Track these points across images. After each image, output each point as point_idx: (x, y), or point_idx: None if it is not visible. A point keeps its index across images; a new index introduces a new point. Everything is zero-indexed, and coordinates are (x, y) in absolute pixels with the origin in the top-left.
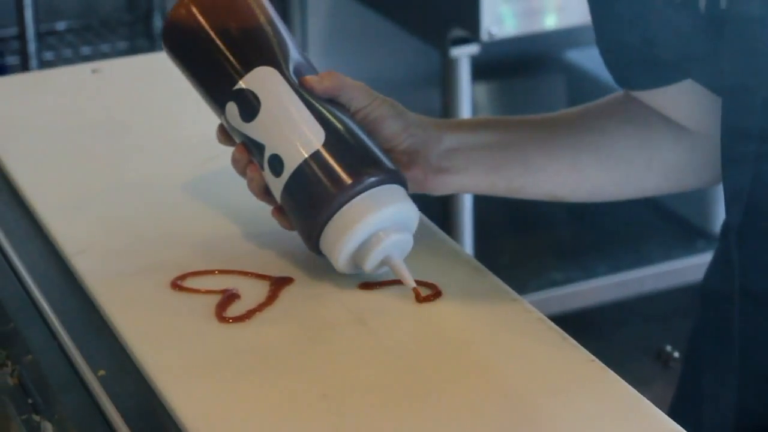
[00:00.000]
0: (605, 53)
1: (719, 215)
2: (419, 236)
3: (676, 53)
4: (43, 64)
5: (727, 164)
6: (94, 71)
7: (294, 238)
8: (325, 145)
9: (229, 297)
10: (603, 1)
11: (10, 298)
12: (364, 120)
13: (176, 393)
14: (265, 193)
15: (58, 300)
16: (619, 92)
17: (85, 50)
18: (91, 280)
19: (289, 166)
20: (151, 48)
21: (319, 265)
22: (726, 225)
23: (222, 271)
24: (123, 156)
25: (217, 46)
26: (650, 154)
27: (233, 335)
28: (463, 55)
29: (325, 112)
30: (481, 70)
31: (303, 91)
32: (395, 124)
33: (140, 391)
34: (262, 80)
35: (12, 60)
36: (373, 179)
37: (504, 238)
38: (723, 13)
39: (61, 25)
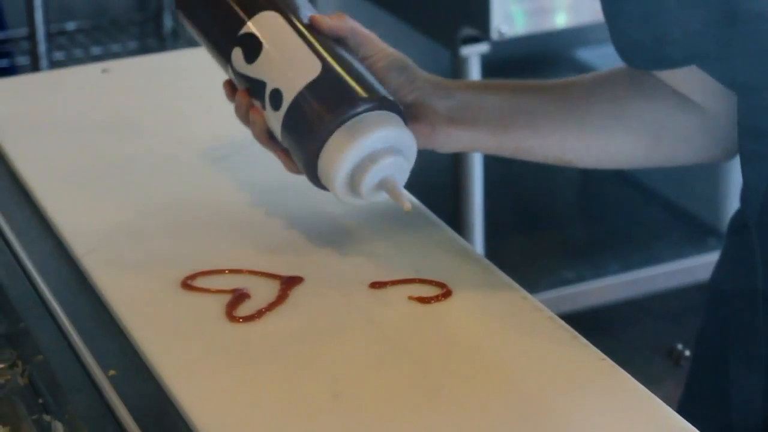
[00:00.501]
0: (615, 35)
1: (730, 213)
2: (429, 235)
3: (687, 49)
4: (54, 65)
5: (745, 161)
6: (104, 71)
7: (304, 237)
8: (321, 75)
9: (239, 296)
10: None
11: (21, 298)
12: (370, 68)
13: (187, 393)
14: (267, 137)
15: (68, 300)
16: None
17: (96, 50)
18: (101, 280)
19: (287, 98)
20: (161, 47)
21: (329, 265)
22: (737, 222)
23: (232, 271)
24: (133, 156)
25: (222, 1)
26: (659, 125)
27: (243, 335)
28: (474, 53)
29: (326, 45)
30: (491, 68)
31: (307, 31)
32: (400, 77)
33: (150, 391)
34: (265, 23)
35: (22, 60)
36: (365, 105)
37: (514, 237)
38: (734, 8)
39: (71, 25)
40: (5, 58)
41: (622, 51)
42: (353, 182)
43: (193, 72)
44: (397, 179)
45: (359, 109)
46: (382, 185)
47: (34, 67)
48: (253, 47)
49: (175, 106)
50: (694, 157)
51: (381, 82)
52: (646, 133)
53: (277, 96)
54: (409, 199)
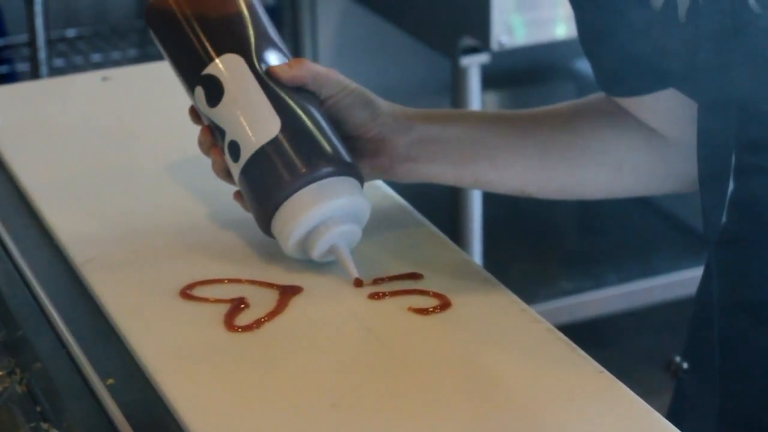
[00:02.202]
0: (589, 57)
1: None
2: (429, 246)
3: (655, 64)
4: (54, 71)
5: (705, 177)
6: (104, 79)
7: None
8: (280, 134)
9: (237, 306)
10: (585, 9)
11: (19, 306)
12: (332, 108)
13: (185, 402)
14: (227, 175)
15: (66, 308)
16: (600, 93)
17: (96, 57)
18: (100, 289)
19: (245, 154)
20: (161, 55)
21: (328, 275)
22: (724, 235)
23: (231, 280)
24: (133, 164)
25: (189, 31)
26: (622, 157)
27: (242, 344)
28: (474, 64)
29: (286, 101)
30: (491, 79)
31: (269, 79)
32: (363, 113)
33: (149, 399)
34: (227, 67)
35: (22, 67)
36: (324, 170)
37: (513, 248)
38: (698, 23)
39: (71, 32)
40: (5, 65)
41: (603, 76)
42: (305, 244)
43: None
44: (346, 247)
45: (317, 174)
46: (333, 252)
47: (34, 73)
48: (215, 91)
49: (175, 115)
50: (655, 188)
51: (345, 120)
52: (608, 166)
53: (234, 148)
54: (405, 207)
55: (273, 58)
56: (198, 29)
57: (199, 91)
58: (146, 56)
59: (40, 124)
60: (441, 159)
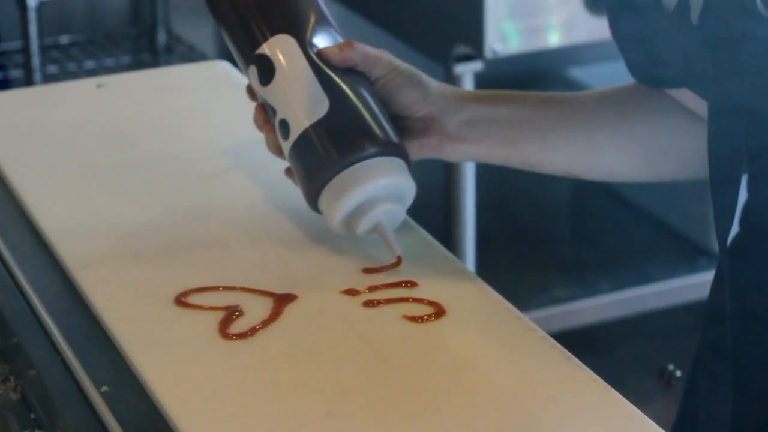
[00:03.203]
0: (623, 53)
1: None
2: (423, 253)
3: (675, 64)
4: (47, 78)
5: (716, 182)
6: (98, 86)
7: (298, 254)
8: (329, 114)
9: (232, 313)
10: (615, 10)
11: (14, 313)
12: (383, 88)
13: (179, 409)
14: (278, 152)
15: (61, 315)
16: None
17: (89, 64)
18: (95, 296)
19: (295, 132)
20: (154, 62)
21: (323, 282)
22: (736, 244)
23: (225, 288)
24: (127, 171)
25: (244, 11)
26: (669, 141)
27: (237, 352)
28: (467, 72)
29: (336, 81)
30: (484, 87)
31: (320, 61)
32: (413, 93)
33: (143, 407)
34: (280, 48)
35: (16, 73)
36: (370, 150)
37: (506, 255)
38: (709, 26)
39: (65, 39)
40: None
41: (634, 70)
42: (350, 222)
43: (188, 88)
44: (391, 226)
45: (363, 155)
46: (377, 229)
47: (28, 80)
48: (267, 70)
49: (169, 122)
50: (703, 173)
51: (394, 100)
52: (655, 149)
53: (285, 126)
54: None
55: (325, 40)
56: (253, 9)
57: (253, 69)
58: (140, 63)
59: (34, 131)
60: (490, 139)
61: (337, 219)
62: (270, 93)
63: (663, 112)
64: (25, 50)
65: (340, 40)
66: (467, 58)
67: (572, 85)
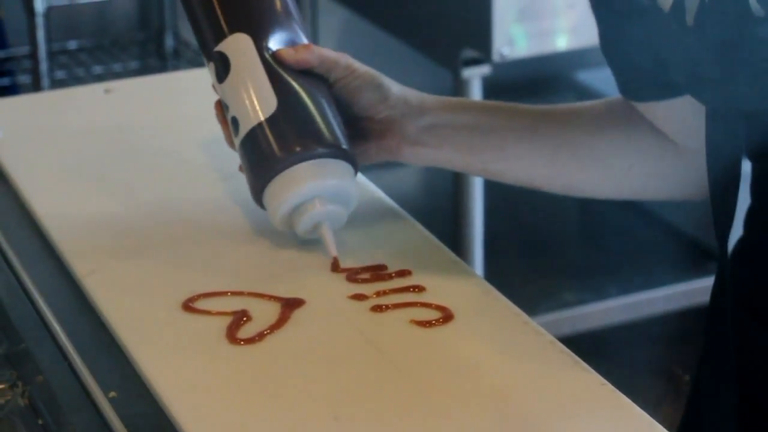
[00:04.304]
0: (608, 63)
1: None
2: (431, 258)
3: (667, 70)
4: (55, 83)
5: (714, 187)
6: (106, 91)
7: (306, 259)
8: (276, 113)
9: (240, 318)
10: (605, 17)
11: (21, 319)
12: (341, 90)
13: (188, 415)
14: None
15: (69, 321)
16: (616, 96)
17: (97, 69)
18: (102, 301)
19: (243, 129)
20: (162, 67)
21: (330, 287)
22: (742, 248)
23: (233, 293)
24: (135, 176)
25: (207, 8)
26: (631, 160)
27: (245, 357)
28: (475, 75)
29: (288, 82)
30: (492, 90)
31: (275, 62)
32: (373, 96)
33: (151, 413)
34: (236, 46)
35: (24, 79)
36: (316, 150)
37: (515, 259)
38: (704, 28)
39: (72, 44)
40: (7, 77)
41: (621, 81)
42: (291, 220)
43: (196, 93)
44: (332, 227)
45: (306, 154)
46: (317, 229)
47: (36, 85)
48: (223, 68)
49: (177, 127)
50: (664, 194)
51: (354, 102)
52: (617, 168)
53: (235, 123)
54: (407, 219)
55: (285, 41)
56: (216, 6)
57: (211, 67)
58: (147, 68)
59: (42, 137)
60: (450, 146)
61: (278, 216)
62: (224, 90)
63: (628, 131)
64: (33, 56)
65: (304, 41)
66: (475, 62)
67: (580, 88)
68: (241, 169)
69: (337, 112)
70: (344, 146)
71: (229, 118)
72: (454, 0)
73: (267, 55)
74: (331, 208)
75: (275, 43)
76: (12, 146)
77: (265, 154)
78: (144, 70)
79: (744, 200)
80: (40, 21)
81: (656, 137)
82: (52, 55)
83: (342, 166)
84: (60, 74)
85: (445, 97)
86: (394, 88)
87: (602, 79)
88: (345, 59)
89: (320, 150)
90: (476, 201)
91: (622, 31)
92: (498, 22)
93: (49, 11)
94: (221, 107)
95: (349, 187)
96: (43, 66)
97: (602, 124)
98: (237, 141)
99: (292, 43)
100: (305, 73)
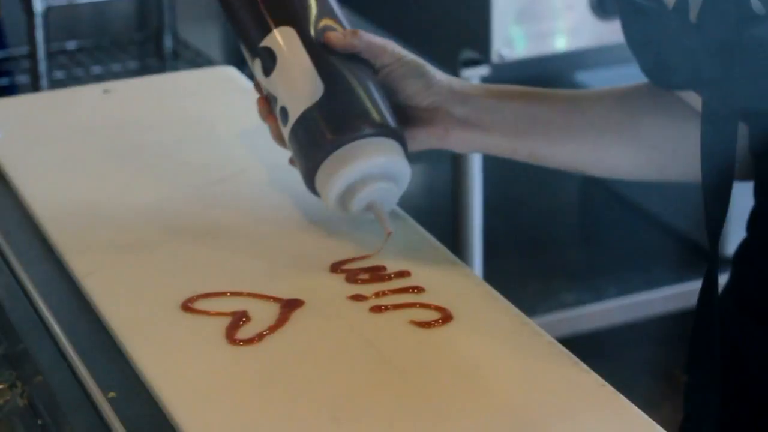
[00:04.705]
0: (636, 56)
1: (729, 238)
2: (430, 258)
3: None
4: (54, 84)
5: (708, 190)
6: (105, 91)
7: (305, 260)
8: (324, 98)
9: (239, 319)
10: (627, 12)
11: (21, 319)
12: (387, 77)
13: (187, 415)
14: (282, 141)
15: (68, 321)
16: None
17: (96, 69)
18: (102, 302)
19: (292, 117)
20: (161, 67)
21: (330, 288)
22: (744, 250)
23: (232, 293)
24: (134, 177)
25: (247, 6)
26: (676, 142)
27: (244, 357)
28: (474, 76)
29: (335, 67)
30: None
31: (322, 49)
32: (417, 83)
33: (150, 413)
34: (281, 39)
35: (22, 79)
36: (364, 130)
37: (513, 260)
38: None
39: (71, 45)
40: (5, 77)
41: (646, 71)
42: (344, 200)
43: (195, 93)
44: (384, 204)
45: (357, 134)
46: (370, 207)
47: (35, 85)
48: (269, 63)
49: (176, 128)
50: None
51: (399, 89)
52: (662, 150)
53: (284, 113)
54: (406, 220)
55: (327, 30)
56: (257, 3)
57: (258, 62)
58: (146, 68)
59: (41, 137)
60: (497, 131)
61: (331, 197)
62: (271, 83)
63: (671, 114)
64: (32, 56)
65: (345, 29)
66: (474, 62)
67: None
68: (291, 161)
69: (384, 95)
70: (392, 125)
71: (277, 110)
72: (453, 1)
73: (313, 44)
74: (383, 185)
75: (319, 31)
76: (11, 146)
77: (315, 137)
78: (143, 71)
79: (747, 202)
80: (38, 21)
81: (698, 120)
82: (50, 55)
83: (391, 145)
84: (59, 74)
85: (487, 84)
86: (439, 75)
87: (601, 79)
88: (392, 46)
89: (369, 130)
90: (475, 202)
91: (640, 28)
92: (497, 24)
93: (48, 11)
94: (265, 103)
95: (400, 164)
96: (42, 66)
97: (644, 108)
98: (286, 131)
99: (334, 31)
100: (352, 59)
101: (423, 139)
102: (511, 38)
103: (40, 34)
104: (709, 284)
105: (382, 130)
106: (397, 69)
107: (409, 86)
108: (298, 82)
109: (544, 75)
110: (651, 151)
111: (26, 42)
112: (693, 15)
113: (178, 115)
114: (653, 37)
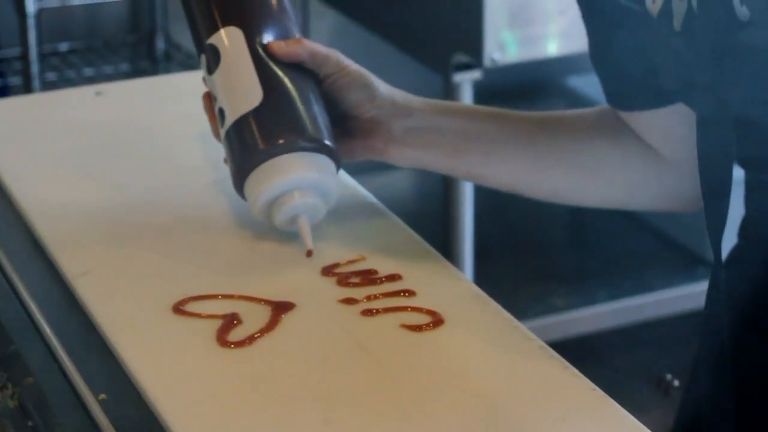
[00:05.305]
0: (596, 71)
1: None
2: (420, 263)
3: (655, 78)
4: (46, 85)
5: (706, 194)
6: (97, 93)
7: (296, 263)
8: (261, 105)
9: (230, 321)
10: (596, 24)
11: (12, 320)
12: (330, 87)
13: (178, 418)
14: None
15: (59, 322)
16: (605, 105)
17: (88, 71)
18: (93, 303)
19: (228, 120)
20: (153, 69)
21: (321, 291)
22: (735, 255)
23: (224, 296)
24: (126, 178)
25: (200, 2)
26: (615, 170)
27: (235, 360)
28: (466, 80)
29: (276, 75)
30: (483, 95)
31: (265, 55)
32: (360, 95)
33: (141, 415)
34: (227, 39)
35: (14, 80)
36: (297, 143)
37: (504, 264)
38: (728, 41)
39: (63, 46)
40: None
41: (609, 90)
42: (270, 211)
43: (187, 96)
44: (310, 220)
45: (288, 147)
46: (295, 221)
47: (26, 87)
48: (213, 60)
49: (168, 130)
50: (648, 205)
51: (341, 99)
52: (601, 177)
53: (222, 114)
54: (397, 223)
55: (277, 35)
56: (204, 2)
57: (203, 58)
58: (138, 71)
59: (33, 139)
60: (435, 148)
61: (257, 206)
62: (213, 81)
63: (614, 142)
64: (24, 57)
65: (297, 36)
66: (466, 66)
67: (570, 94)
68: (225, 161)
69: (324, 108)
70: (327, 141)
71: (216, 109)
72: (445, 5)
73: (258, 49)
74: (310, 200)
75: (267, 37)
76: (2, 148)
77: (247, 144)
78: (135, 73)
79: (739, 209)
80: (31, 22)
81: (643, 148)
82: (43, 56)
83: (323, 161)
84: (51, 76)
85: (431, 99)
86: (382, 87)
87: (593, 85)
88: (335, 55)
89: (302, 143)
90: (466, 205)
91: (612, 38)
92: (489, 28)
93: (41, 13)
94: (210, 99)
95: (330, 181)
96: (34, 68)
97: (589, 133)
98: (222, 132)
99: (284, 38)
100: (296, 68)
101: (361, 151)
102: (504, 42)
103: (32, 36)
104: (716, 290)
105: (316, 146)
106: (341, 79)
107: (352, 97)
108: (238, 86)
109: (536, 79)
110: (590, 177)
111: (18, 43)
112: (677, 23)
113: (170, 118)
114: (640, 46)
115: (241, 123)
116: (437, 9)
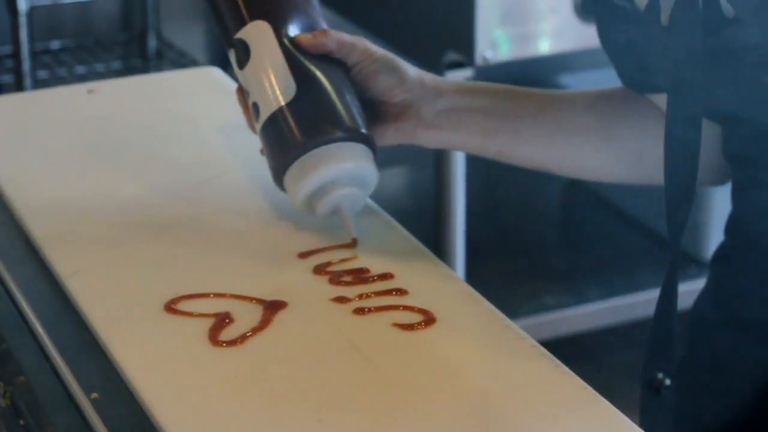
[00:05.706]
0: (612, 59)
1: (711, 242)
2: (412, 262)
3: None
4: (37, 83)
5: (671, 197)
6: (89, 91)
7: (289, 261)
8: (296, 98)
9: (222, 320)
10: (603, 16)
11: (3, 319)
12: (359, 74)
13: (169, 417)
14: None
15: (51, 321)
16: None
17: (80, 69)
18: (85, 302)
19: (263, 115)
20: (145, 68)
21: (313, 290)
22: (721, 253)
23: (216, 295)
24: (118, 177)
25: None
26: (644, 146)
27: (227, 359)
28: (458, 78)
29: (307, 67)
30: None
31: (294, 47)
32: (389, 79)
33: (133, 414)
34: (256, 33)
35: (6, 78)
36: (334, 135)
37: (496, 262)
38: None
39: (55, 44)
40: None
41: (620, 74)
42: (311, 202)
43: (179, 94)
44: (350, 208)
45: (326, 138)
46: (337, 211)
47: (18, 85)
48: (243, 55)
49: (160, 128)
50: None
51: (370, 86)
52: (629, 153)
53: (256, 109)
54: (389, 222)
55: (302, 28)
56: None
57: (232, 54)
58: (130, 69)
59: (25, 137)
60: (466, 128)
61: (298, 198)
62: (245, 76)
63: (642, 117)
64: (16, 55)
65: (322, 27)
66: (458, 65)
67: None
68: (262, 152)
69: (355, 96)
70: (363, 130)
71: (250, 103)
72: (437, 3)
73: (286, 41)
74: (350, 190)
75: (294, 29)
76: None
77: (286, 138)
78: (127, 71)
79: (725, 206)
80: (23, 20)
81: None
82: (34, 54)
83: (361, 149)
84: (42, 74)
85: (460, 80)
86: (411, 71)
87: (584, 82)
88: (362, 43)
89: (339, 134)
90: (458, 204)
91: (614, 31)
92: (481, 26)
93: (32, 11)
94: (242, 93)
95: (368, 169)
96: (26, 66)
97: (615, 110)
98: (258, 126)
99: (311, 29)
100: (324, 58)
101: (392, 134)
102: (495, 41)
103: (24, 34)
104: (670, 289)
105: (353, 135)
106: (369, 66)
107: (381, 83)
108: (271, 80)
109: (528, 77)
110: (620, 153)
111: (10, 41)
112: (664, 18)
113: (161, 116)
114: (630, 40)
115: (277, 117)
116: (429, 7)
